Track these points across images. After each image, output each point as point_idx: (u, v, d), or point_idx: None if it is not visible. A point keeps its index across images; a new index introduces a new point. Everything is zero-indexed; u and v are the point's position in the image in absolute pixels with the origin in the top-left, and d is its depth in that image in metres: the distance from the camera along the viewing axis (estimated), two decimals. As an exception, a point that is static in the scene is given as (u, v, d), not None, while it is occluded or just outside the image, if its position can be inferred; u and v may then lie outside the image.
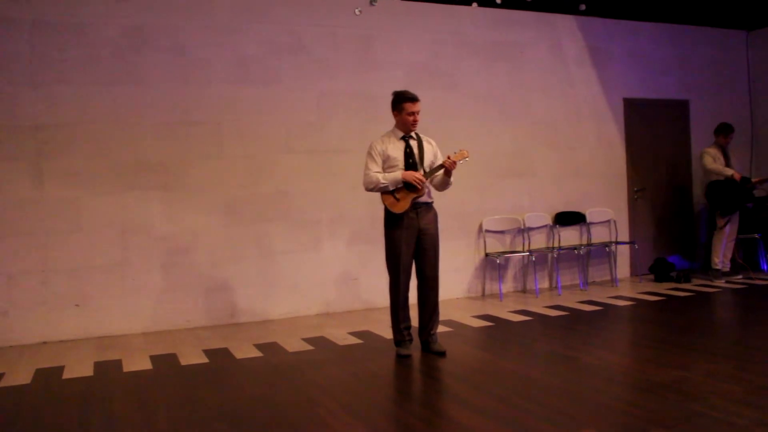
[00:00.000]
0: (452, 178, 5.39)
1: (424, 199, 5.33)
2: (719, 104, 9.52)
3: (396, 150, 5.33)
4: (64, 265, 6.40)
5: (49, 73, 6.37)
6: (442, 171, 5.28)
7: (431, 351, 5.39)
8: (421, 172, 5.29)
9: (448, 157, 5.23)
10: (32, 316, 6.30)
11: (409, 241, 5.31)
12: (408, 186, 5.22)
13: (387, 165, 5.32)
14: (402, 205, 5.25)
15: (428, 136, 5.52)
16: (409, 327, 5.46)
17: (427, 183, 5.33)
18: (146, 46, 6.67)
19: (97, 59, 6.52)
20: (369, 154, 5.38)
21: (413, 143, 5.38)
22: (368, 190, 5.38)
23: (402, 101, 5.33)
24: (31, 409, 4.38)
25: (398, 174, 5.23)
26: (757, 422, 3.56)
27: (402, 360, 5.26)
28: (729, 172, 8.38)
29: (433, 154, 5.44)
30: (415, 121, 5.33)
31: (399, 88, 5.54)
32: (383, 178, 5.26)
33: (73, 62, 6.45)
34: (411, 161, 5.31)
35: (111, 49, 6.56)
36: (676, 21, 9.27)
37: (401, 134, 5.38)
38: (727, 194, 8.29)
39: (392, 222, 5.33)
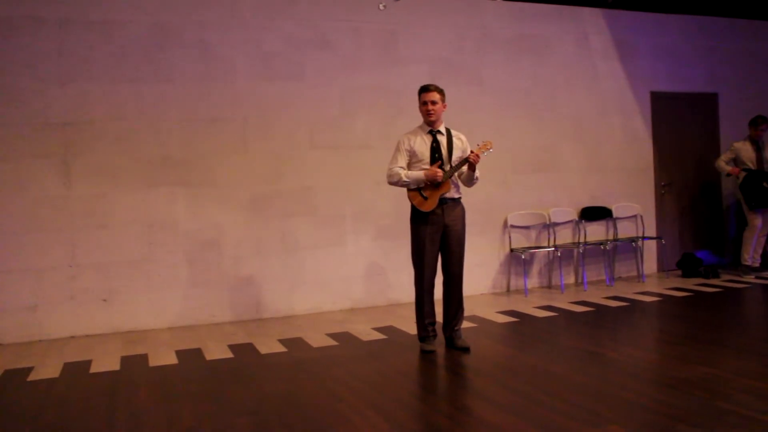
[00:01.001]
0: (478, 173, 5.38)
1: (450, 194, 5.30)
2: (749, 97, 9.36)
3: (422, 144, 5.32)
4: (91, 261, 6.48)
5: (77, 71, 6.44)
6: (466, 165, 5.27)
7: (455, 347, 5.37)
8: (448, 167, 5.27)
9: (472, 151, 5.22)
10: (60, 310, 6.38)
11: (435, 237, 5.30)
12: (434, 183, 5.21)
13: (414, 160, 5.32)
14: (430, 204, 5.25)
15: (459, 132, 5.50)
16: (433, 323, 5.45)
17: (455, 178, 5.32)
18: (171, 43, 6.72)
19: (123, 57, 6.58)
20: (397, 148, 5.40)
21: (441, 138, 5.35)
22: (390, 183, 5.39)
23: (419, 94, 5.38)
24: (59, 402, 4.44)
25: (421, 173, 5.22)
26: (786, 420, 3.51)
27: (426, 356, 5.25)
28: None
29: (462, 150, 5.40)
30: (428, 111, 5.29)
31: (423, 84, 5.52)
32: (406, 175, 5.26)
33: (100, 60, 6.51)
34: (437, 156, 5.29)
35: (137, 47, 6.62)
36: (704, 12, 9.12)
37: (428, 128, 5.37)
38: (760, 188, 8.16)
39: (418, 218, 5.33)
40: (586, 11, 8.51)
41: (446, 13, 7.80)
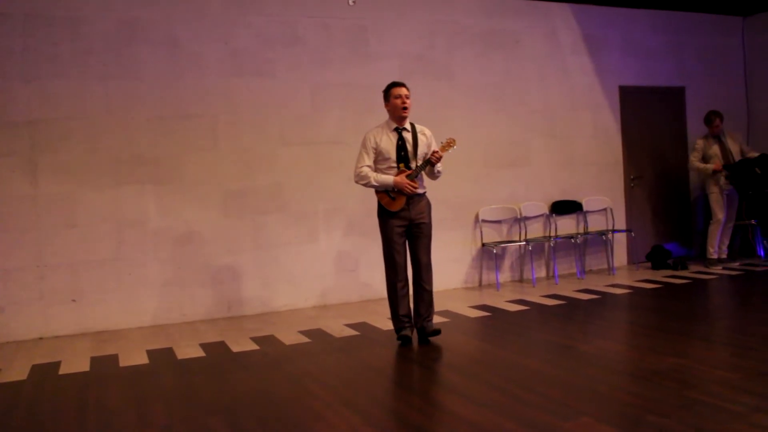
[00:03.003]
0: (441, 167, 5.43)
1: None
2: (715, 91, 9.49)
3: (388, 143, 5.33)
4: (60, 261, 6.38)
5: (43, 68, 6.33)
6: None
7: (426, 333, 5.39)
8: (413, 164, 5.30)
9: (435, 152, 5.26)
10: (28, 311, 6.28)
11: (402, 231, 5.35)
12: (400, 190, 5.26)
13: (380, 158, 5.33)
14: (398, 204, 5.31)
15: (424, 126, 5.51)
16: (409, 316, 5.46)
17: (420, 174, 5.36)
18: (140, 39, 6.64)
19: (90, 53, 6.48)
20: (363, 145, 5.40)
21: (407, 135, 5.38)
22: (357, 183, 5.41)
23: (389, 89, 5.40)
24: (28, 405, 4.37)
25: (390, 179, 5.27)
26: (754, 408, 3.56)
27: (399, 351, 5.25)
28: (710, 168, 8.40)
29: (426, 145, 5.44)
30: (404, 104, 5.31)
31: (394, 79, 5.53)
32: (375, 179, 5.29)
33: (67, 56, 6.41)
34: (403, 154, 5.32)
35: (104, 43, 6.52)
36: (672, 8, 9.23)
37: (394, 126, 5.37)
38: (752, 174, 8.25)
39: (385, 213, 5.38)
40: (555, 6, 8.56)
41: (417, 9, 7.79)
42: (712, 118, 8.49)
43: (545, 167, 8.52)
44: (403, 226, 5.35)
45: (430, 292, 5.48)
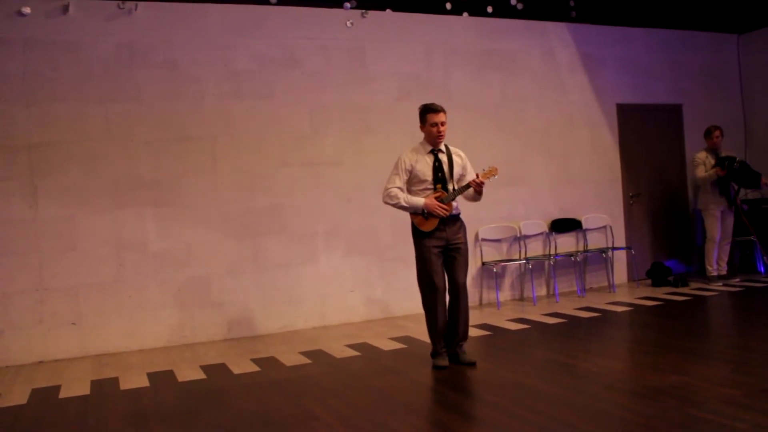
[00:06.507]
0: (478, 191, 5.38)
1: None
2: (712, 107, 9.53)
3: (425, 164, 5.29)
4: (59, 284, 6.38)
5: (42, 92, 6.37)
6: (471, 189, 5.28)
7: (460, 362, 5.28)
8: (450, 186, 5.28)
9: (477, 175, 5.23)
10: (28, 335, 6.27)
11: (439, 252, 5.27)
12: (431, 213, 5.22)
13: (416, 180, 5.28)
14: (431, 223, 5.23)
15: (458, 148, 5.49)
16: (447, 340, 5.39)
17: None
18: (139, 62, 6.68)
19: (90, 77, 6.52)
20: (395, 166, 5.34)
21: (442, 157, 5.33)
22: (386, 203, 5.35)
23: (425, 113, 5.32)
24: (28, 429, 4.35)
25: (420, 201, 5.20)
26: (757, 426, 3.54)
27: (399, 371, 5.23)
28: (712, 173, 8.41)
29: (461, 167, 5.41)
30: (439, 132, 5.26)
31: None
32: (405, 200, 5.23)
33: (66, 80, 6.45)
34: (440, 175, 5.28)
35: (104, 67, 6.57)
36: (668, 26, 9.30)
37: (430, 147, 5.35)
38: (747, 172, 8.35)
39: (420, 234, 5.29)
40: (552, 26, 8.62)
41: (414, 29, 7.84)
42: (711, 131, 8.51)
43: (544, 185, 8.54)
44: (440, 246, 5.26)
45: (466, 315, 5.37)
